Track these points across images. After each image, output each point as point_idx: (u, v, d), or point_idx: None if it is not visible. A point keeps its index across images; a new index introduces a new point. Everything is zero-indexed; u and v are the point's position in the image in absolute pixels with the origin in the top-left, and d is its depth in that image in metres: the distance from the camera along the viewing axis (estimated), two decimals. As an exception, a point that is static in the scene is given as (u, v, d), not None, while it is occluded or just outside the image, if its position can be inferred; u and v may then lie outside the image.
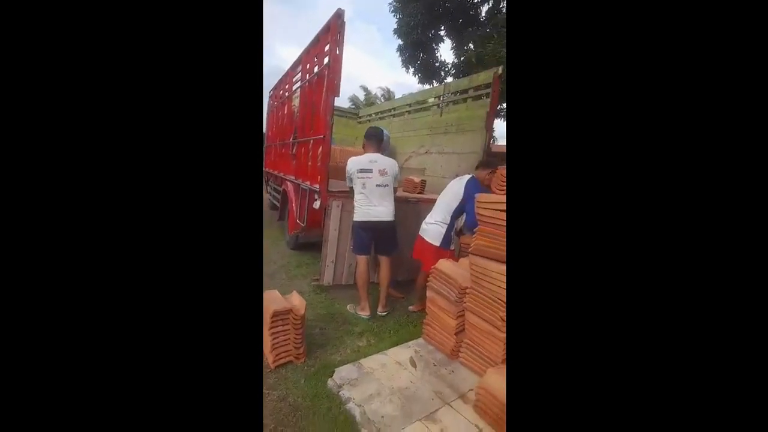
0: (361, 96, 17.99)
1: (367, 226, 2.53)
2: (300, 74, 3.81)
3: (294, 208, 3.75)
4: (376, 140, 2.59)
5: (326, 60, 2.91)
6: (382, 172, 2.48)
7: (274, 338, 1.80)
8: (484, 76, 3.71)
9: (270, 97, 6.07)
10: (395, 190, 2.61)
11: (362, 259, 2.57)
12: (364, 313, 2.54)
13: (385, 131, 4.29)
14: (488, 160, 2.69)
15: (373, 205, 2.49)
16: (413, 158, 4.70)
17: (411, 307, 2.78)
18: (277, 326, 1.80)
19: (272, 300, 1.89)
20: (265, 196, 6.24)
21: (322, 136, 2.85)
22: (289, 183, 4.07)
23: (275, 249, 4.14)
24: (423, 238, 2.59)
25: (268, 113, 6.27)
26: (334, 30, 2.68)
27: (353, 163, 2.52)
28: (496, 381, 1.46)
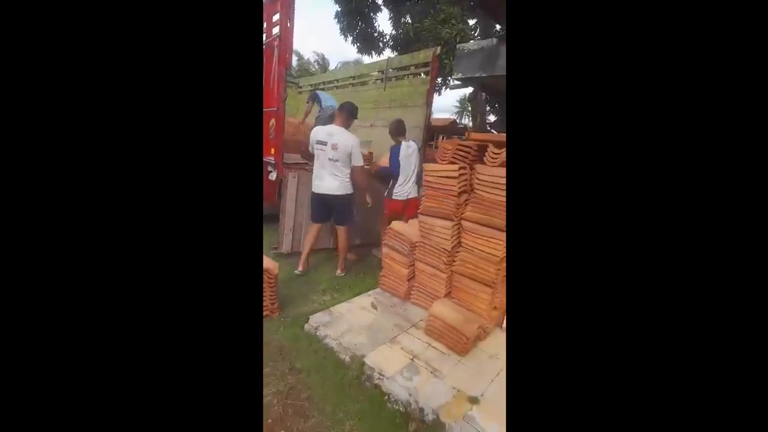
0: (294, 62, 17.05)
1: (319, 199, 2.71)
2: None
3: (244, 181, 3.75)
4: (346, 114, 2.68)
5: (275, 31, 2.92)
6: (334, 147, 2.55)
7: (252, 295, 2.01)
8: (424, 55, 4.02)
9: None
10: (359, 168, 2.66)
11: (312, 227, 2.82)
12: (297, 270, 2.80)
13: (331, 101, 4.39)
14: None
15: (323, 178, 2.64)
16: (359, 131, 4.91)
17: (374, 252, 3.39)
18: (254, 285, 2.01)
19: (246, 263, 2.07)
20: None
21: (275, 108, 2.91)
22: (235, 155, 4.00)
23: (225, 222, 4.11)
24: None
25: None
26: (284, 2, 2.70)
27: (313, 133, 2.69)
28: (440, 308, 1.92)
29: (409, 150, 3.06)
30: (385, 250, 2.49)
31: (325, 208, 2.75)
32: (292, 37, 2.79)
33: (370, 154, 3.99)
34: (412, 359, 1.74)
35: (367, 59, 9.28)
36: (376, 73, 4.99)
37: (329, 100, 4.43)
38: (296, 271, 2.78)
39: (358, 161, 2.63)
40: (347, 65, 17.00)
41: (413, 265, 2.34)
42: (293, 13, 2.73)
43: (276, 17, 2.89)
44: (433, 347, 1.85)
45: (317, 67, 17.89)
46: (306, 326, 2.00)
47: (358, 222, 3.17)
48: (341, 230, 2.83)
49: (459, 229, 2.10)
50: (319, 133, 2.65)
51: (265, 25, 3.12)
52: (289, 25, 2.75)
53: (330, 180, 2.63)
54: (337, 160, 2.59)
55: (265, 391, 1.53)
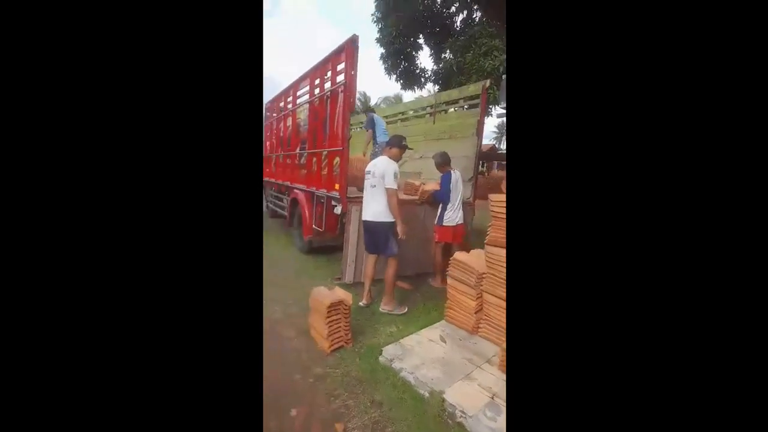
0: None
1: (365, 226, 2.84)
2: (307, 90, 4.08)
3: (307, 215, 4.01)
4: (393, 146, 2.80)
5: (339, 79, 3.24)
6: (373, 174, 2.69)
7: (330, 326, 2.12)
8: (473, 88, 4.16)
9: (266, 109, 6.26)
10: (390, 191, 2.61)
11: (368, 258, 2.89)
12: (362, 302, 2.83)
13: (384, 136, 4.60)
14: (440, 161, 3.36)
15: (367, 205, 2.78)
16: (408, 163, 5.08)
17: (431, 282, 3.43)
18: (332, 316, 2.12)
19: (323, 294, 2.20)
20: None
21: (340, 148, 3.16)
22: (298, 191, 4.31)
23: (288, 254, 4.39)
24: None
25: (264, 125, 6.46)
26: (349, 53, 3.00)
27: (366, 166, 2.91)
28: (519, 343, 1.87)
29: (455, 178, 3.31)
30: (449, 281, 2.50)
31: (371, 236, 2.82)
32: (356, 84, 3.06)
33: (421, 184, 4.10)
34: (491, 397, 1.70)
35: (408, 94, 9.70)
36: (426, 108, 5.18)
37: (382, 135, 4.66)
38: (360, 303, 2.84)
39: (388, 183, 2.61)
40: (388, 101, 17.88)
41: (480, 296, 2.31)
42: (356, 63, 3.02)
43: (340, 66, 3.21)
44: (513, 385, 1.79)
45: (359, 104, 19.04)
46: (380, 358, 2.04)
47: (409, 251, 3.25)
48: (387, 261, 2.78)
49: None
50: (368, 165, 2.88)
51: (329, 73, 3.47)
52: (353, 73, 3.02)
53: (372, 206, 2.73)
54: (374, 186, 2.69)
55: (349, 424, 1.58)
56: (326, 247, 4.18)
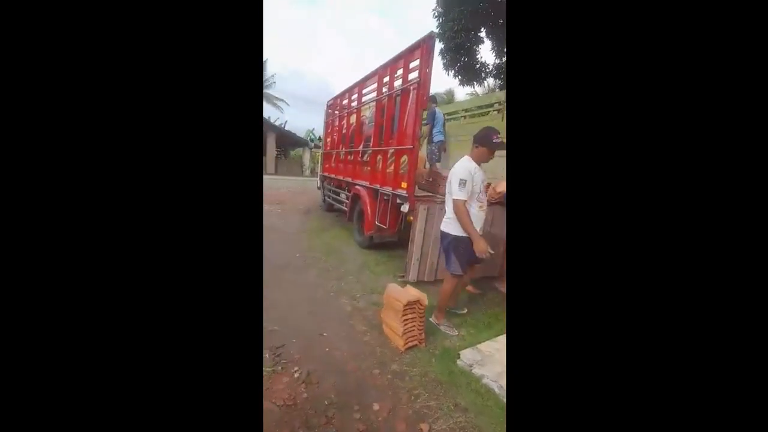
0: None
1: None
2: (375, 88, 4.12)
3: (369, 211, 4.07)
4: (478, 142, 2.27)
5: (412, 77, 3.21)
6: (449, 179, 2.28)
7: (405, 325, 2.12)
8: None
9: (328, 107, 6.47)
10: (460, 204, 2.16)
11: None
12: (432, 319, 2.50)
13: (440, 135, 4.44)
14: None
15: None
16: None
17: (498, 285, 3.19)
18: (407, 314, 2.11)
19: (398, 292, 2.20)
20: (318, 195, 6.71)
21: (410, 147, 3.15)
22: (360, 188, 4.39)
23: (348, 249, 4.50)
24: None
25: (325, 122, 6.69)
26: (425, 50, 2.96)
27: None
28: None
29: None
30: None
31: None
32: (430, 81, 3.02)
33: (488, 185, 3.94)
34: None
35: (461, 91, 9.36)
36: (496, 104, 4.98)
37: (439, 134, 4.54)
38: (431, 319, 2.50)
39: (452, 192, 2.18)
40: (439, 96, 17.59)
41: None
42: (432, 60, 2.97)
43: (414, 64, 3.18)
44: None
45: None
46: (459, 362, 2.00)
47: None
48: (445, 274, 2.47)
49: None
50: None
51: (401, 71, 3.46)
52: (427, 71, 2.98)
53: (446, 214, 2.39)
54: (449, 193, 2.28)
55: (435, 426, 1.56)
56: (386, 243, 4.21)
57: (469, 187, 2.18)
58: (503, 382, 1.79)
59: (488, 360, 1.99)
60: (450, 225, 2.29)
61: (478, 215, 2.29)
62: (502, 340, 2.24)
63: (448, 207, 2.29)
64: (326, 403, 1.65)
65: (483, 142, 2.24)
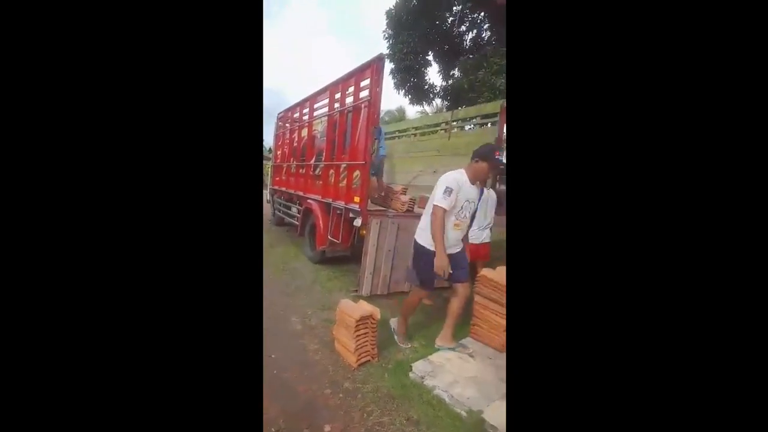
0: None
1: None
2: (327, 103, 4.13)
3: (322, 225, 4.00)
4: (480, 158, 2.11)
5: (363, 95, 3.29)
6: (434, 189, 2.17)
7: (357, 340, 2.09)
8: (492, 107, 4.24)
9: (279, 119, 6.32)
10: (440, 211, 2.04)
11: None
12: (397, 338, 2.44)
13: (383, 150, 4.50)
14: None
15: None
16: (420, 176, 5.12)
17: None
18: (360, 330, 2.09)
19: (351, 307, 2.18)
20: (268, 209, 6.46)
21: (363, 162, 3.18)
22: (312, 202, 4.31)
23: (299, 264, 4.36)
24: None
25: (275, 134, 6.52)
26: (375, 71, 3.05)
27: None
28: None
29: (485, 196, 3.04)
30: (477, 298, 2.48)
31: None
32: (380, 100, 3.11)
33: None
34: (530, 418, 1.67)
35: (412, 109, 9.79)
36: (442, 124, 5.25)
37: (382, 149, 4.60)
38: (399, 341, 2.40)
39: (434, 198, 2.06)
40: (390, 113, 18.11)
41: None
42: (382, 80, 3.07)
43: (365, 82, 3.26)
44: (550, 406, 1.77)
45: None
46: (411, 375, 2.01)
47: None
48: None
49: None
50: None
51: (352, 88, 3.52)
52: (378, 90, 3.07)
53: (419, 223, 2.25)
54: (428, 202, 2.20)
55: (387, 442, 1.54)
56: (338, 258, 4.16)
57: (453, 198, 2.03)
58: (454, 391, 1.84)
59: (439, 370, 2.03)
60: (422, 235, 2.17)
61: (452, 233, 2.15)
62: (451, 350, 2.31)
63: (425, 216, 2.17)
64: (273, 430, 1.56)
65: (484, 157, 2.09)
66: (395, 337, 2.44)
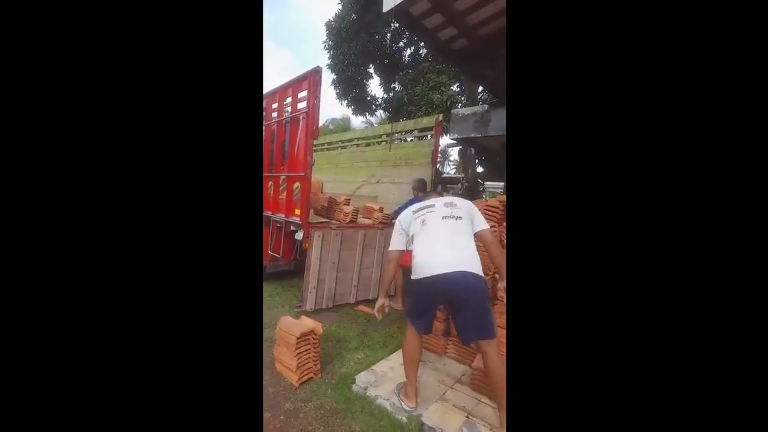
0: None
1: (431, 281, 1.68)
2: (263, 114, 4.01)
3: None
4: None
5: (301, 106, 3.26)
6: (454, 205, 1.86)
7: (299, 358, 2.03)
8: (428, 120, 4.49)
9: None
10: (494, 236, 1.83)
11: (413, 332, 1.84)
12: (406, 404, 1.81)
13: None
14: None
15: (434, 249, 1.73)
16: (364, 186, 5.20)
17: (392, 304, 3.21)
18: (301, 347, 2.04)
19: (290, 325, 2.11)
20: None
21: (302, 174, 3.14)
22: (252, 215, 4.11)
23: (239, 282, 4.11)
24: None
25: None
26: (312, 83, 3.05)
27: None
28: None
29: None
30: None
31: (441, 297, 1.78)
32: (318, 112, 3.11)
33: (381, 209, 4.20)
34: (467, 416, 1.77)
35: (356, 119, 9.97)
36: (383, 136, 5.39)
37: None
38: (405, 407, 1.81)
39: (483, 223, 1.81)
40: (336, 121, 18.12)
41: (448, 319, 2.42)
42: (320, 91, 3.08)
43: (302, 94, 3.24)
44: (484, 402, 1.89)
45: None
46: (354, 387, 2.01)
47: (370, 274, 3.33)
48: (485, 348, 1.67)
49: (494, 281, 2.25)
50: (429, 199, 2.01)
51: (290, 99, 3.47)
52: (315, 102, 3.07)
53: (449, 251, 1.71)
54: (458, 218, 1.81)
55: (330, 460, 1.52)
56: (280, 273, 4.02)
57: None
58: (395, 399, 1.88)
59: (382, 380, 2.06)
60: (477, 265, 1.68)
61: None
62: (394, 357, 2.36)
63: (467, 241, 1.71)
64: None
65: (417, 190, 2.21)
66: (402, 404, 1.82)
